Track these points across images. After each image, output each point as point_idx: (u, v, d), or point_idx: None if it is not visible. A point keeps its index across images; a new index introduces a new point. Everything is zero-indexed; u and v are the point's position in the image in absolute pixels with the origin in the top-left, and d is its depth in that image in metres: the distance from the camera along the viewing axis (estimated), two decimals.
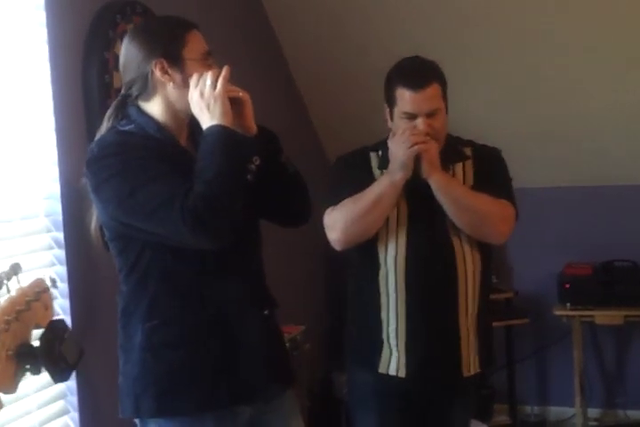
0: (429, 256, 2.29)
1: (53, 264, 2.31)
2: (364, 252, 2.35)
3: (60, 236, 2.32)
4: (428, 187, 2.27)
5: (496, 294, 4.02)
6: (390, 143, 2.32)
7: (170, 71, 1.83)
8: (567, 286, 3.85)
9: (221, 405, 1.85)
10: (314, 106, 3.98)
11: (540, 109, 3.83)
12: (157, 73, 1.83)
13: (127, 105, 1.89)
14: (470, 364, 2.34)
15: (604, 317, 3.78)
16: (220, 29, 3.27)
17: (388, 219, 2.30)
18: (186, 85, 1.83)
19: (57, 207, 2.32)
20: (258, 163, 1.84)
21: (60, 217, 2.32)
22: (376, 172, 2.38)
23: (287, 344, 2.98)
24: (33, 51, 2.29)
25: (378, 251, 2.31)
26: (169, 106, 1.87)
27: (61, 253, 2.32)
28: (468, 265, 2.31)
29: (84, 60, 2.44)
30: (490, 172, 2.37)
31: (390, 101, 2.30)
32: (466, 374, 2.34)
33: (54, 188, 2.32)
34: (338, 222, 2.29)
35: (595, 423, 4.07)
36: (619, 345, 4.14)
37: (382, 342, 2.33)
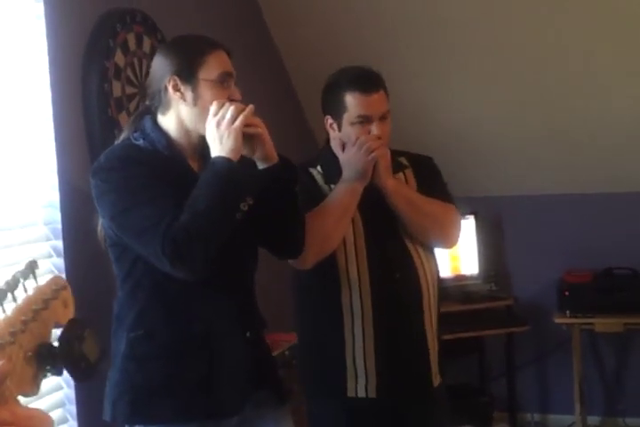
0: (392, 267, 2.26)
1: (52, 272, 2.31)
2: (323, 269, 2.22)
3: (60, 244, 2.32)
4: (378, 194, 2.25)
5: (496, 301, 4.06)
6: (345, 152, 2.26)
7: (182, 89, 1.87)
8: (567, 293, 3.84)
9: (194, 419, 1.86)
10: (310, 107, 3.97)
11: (545, 117, 3.83)
12: (170, 89, 1.87)
13: (144, 117, 1.93)
14: (437, 373, 2.32)
15: (604, 324, 3.77)
16: (219, 35, 3.28)
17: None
18: (196, 104, 1.86)
19: (56, 216, 2.32)
20: (251, 203, 1.84)
21: (59, 225, 2.32)
22: (324, 187, 2.30)
23: (286, 353, 2.99)
24: (33, 59, 2.30)
25: (338, 267, 2.23)
26: (181, 123, 1.90)
27: (60, 261, 2.32)
28: (427, 272, 2.30)
29: (83, 69, 2.44)
30: (430, 179, 2.37)
31: (337, 109, 2.23)
32: (435, 384, 2.32)
33: (53, 196, 2.32)
34: (307, 240, 2.10)
35: None
36: (618, 353, 4.13)
37: (347, 364, 2.24)
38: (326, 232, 2.20)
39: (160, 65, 1.91)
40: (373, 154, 2.19)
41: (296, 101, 4.03)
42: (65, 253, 2.32)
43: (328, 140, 2.36)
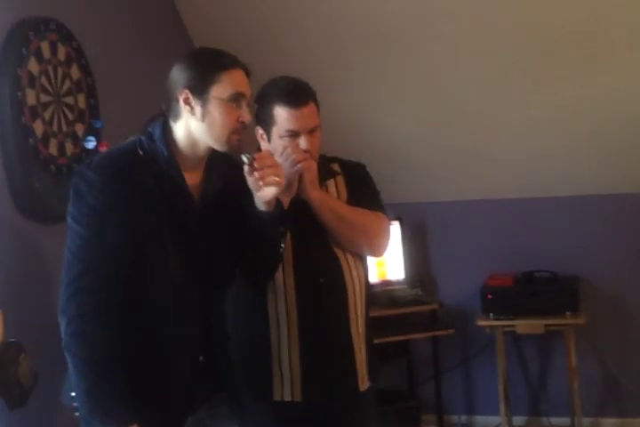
0: (318, 273, 2.28)
1: None
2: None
3: None
4: (306, 204, 2.26)
5: (421, 306, 4.12)
6: None
7: (192, 103, 1.88)
8: (490, 296, 3.91)
9: None
10: None
11: (463, 127, 3.93)
12: (181, 102, 1.88)
13: (156, 121, 1.94)
14: (364, 378, 2.34)
15: (526, 326, 3.85)
16: (137, 42, 3.29)
17: None
18: (204, 120, 1.87)
19: None
20: None
21: None
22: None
23: None
24: None
25: None
26: (190, 133, 1.91)
27: None
28: (355, 278, 2.32)
29: None
30: (361, 186, 2.39)
31: (267, 122, 2.24)
32: (362, 388, 2.34)
33: None
34: None
35: None
36: (540, 354, 4.23)
37: (273, 368, 2.27)
38: None
39: (175, 76, 1.91)
40: (298, 166, 2.20)
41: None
42: None
43: (260, 150, 2.37)
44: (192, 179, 1.94)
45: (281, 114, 2.21)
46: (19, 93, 2.44)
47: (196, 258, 1.93)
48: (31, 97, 2.50)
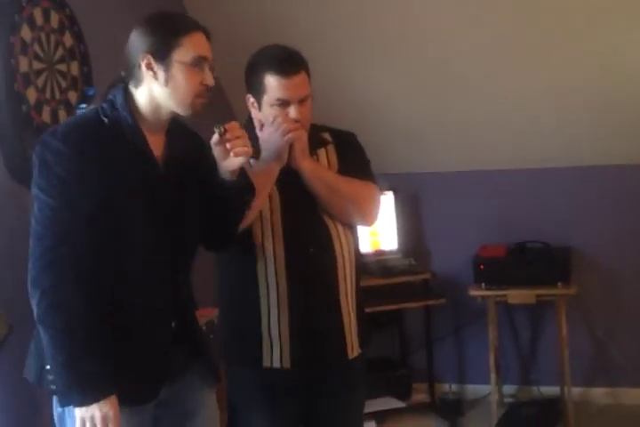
0: (307, 242, 2.29)
1: None
2: (241, 243, 2.27)
3: None
4: (296, 174, 2.28)
5: (413, 275, 4.15)
6: (262, 132, 2.29)
7: (155, 68, 1.87)
8: (482, 267, 3.94)
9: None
10: (230, 83, 3.98)
11: (456, 97, 3.92)
12: (143, 67, 1.88)
13: (117, 87, 1.93)
14: (353, 345, 2.37)
15: (517, 296, 3.87)
16: (131, 9, 3.26)
17: (261, 209, 2.28)
18: (167, 85, 1.87)
19: None
20: None
21: None
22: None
23: (204, 327, 3.00)
24: None
25: (254, 241, 2.27)
26: (153, 99, 1.91)
27: None
28: (344, 248, 2.34)
29: None
30: (352, 155, 2.40)
31: (258, 90, 2.25)
32: (350, 355, 2.36)
33: None
34: None
35: (510, 400, 4.20)
36: (532, 324, 4.27)
37: (262, 335, 2.29)
38: None
39: (136, 41, 1.90)
40: (289, 135, 2.22)
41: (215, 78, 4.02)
42: None
43: (251, 118, 2.37)
44: (155, 145, 1.94)
45: (271, 82, 2.21)
46: (11, 60, 2.43)
47: (166, 225, 1.93)
48: (24, 64, 2.49)
